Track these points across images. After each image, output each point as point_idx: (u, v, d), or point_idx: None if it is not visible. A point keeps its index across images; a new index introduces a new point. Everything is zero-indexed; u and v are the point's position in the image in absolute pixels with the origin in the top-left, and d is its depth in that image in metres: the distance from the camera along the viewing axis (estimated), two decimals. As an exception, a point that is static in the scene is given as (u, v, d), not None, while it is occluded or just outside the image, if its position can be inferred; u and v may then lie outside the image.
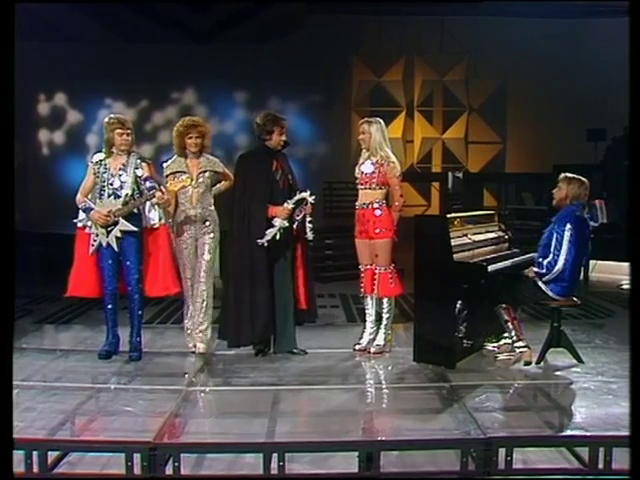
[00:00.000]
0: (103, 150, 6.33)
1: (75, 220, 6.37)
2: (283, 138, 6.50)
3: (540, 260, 6.01)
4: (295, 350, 6.47)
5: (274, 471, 4.08)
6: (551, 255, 5.93)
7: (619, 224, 10.94)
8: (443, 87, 19.19)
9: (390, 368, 6.13)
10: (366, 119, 6.53)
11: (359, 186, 6.49)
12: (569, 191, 6.04)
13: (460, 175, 16.88)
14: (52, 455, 4.21)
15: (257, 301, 6.23)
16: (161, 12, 16.09)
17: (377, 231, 6.36)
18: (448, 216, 6.30)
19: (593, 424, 4.68)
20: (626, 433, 4.37)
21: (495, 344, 6.44)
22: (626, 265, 10.28)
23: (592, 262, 10.80)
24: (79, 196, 6.29)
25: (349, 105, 18.84)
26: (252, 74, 17.05)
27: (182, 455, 4.15)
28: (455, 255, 5.99)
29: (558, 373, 5.93)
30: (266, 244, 6.13)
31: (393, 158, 6.42)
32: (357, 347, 6.60)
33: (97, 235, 6.25)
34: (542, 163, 14.98)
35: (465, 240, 6.29)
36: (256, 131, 6.48)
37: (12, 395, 3.90)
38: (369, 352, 6.48)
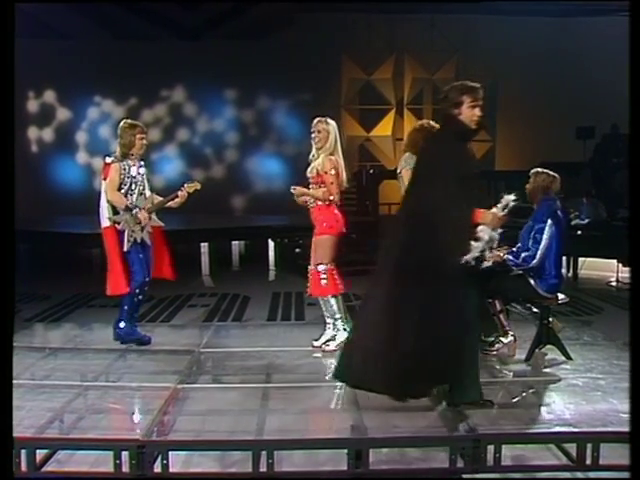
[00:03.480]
0: (118, 152, 6.47)
1: (112, 218, 6.43)
2: (477, 113, 4.78)
3: (517, 250, 6.00)
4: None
5: (263, 469, 4.08)
6: (531, 249, 5.92)
7: (608, 221, 10.99)
8: (433, 85, 19.18)
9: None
10: (321, 119, 6.47)
11: (312, 185, 6.41)
12: (536, 183, 6.10)
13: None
14: (40, 453, 4.20)
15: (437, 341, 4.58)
16: (151, 9, 16.06)
17: (324, 224, 6.34)
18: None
19: (581, 420, 4.69)
20: (614, 429, 4.42)
21: (484, 341, 6.45)
22: (614, 262, 10.36)
23: (581, 259, 10.85)
24: (119, 196, 6.41)
25: (339, 103, 18.80)
26: (241, 72, 17.04)
27: (170, 453, 4.15)
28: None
29: (546, 370, 5.93)
30: (472, 262, 4.60)
31: (333, 156, 6.34)
32: (314, 343, 6.58)
33: (133, 232, 6.43)
34: (531, 161, 14.97)
35: (454, 238, 6.29)
36: (444, 107, 4.88)
37: (12, 394, 3.88)
38: (320, 349, 6.47)
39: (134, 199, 6.47)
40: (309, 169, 6.43)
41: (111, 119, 18.06)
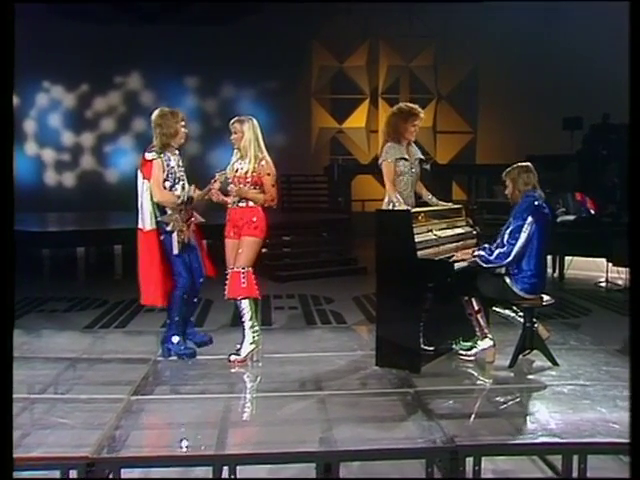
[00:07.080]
0: (157, 144, 6.35)
1: (161, 218, 6.31)
2: None
3: (490, 247, 6.00)
4: None
5: (225, 485, 4.05)
6: (506, 246, 5.93)
7: (597, 218, 11.05)
8: (410, 73, 19.27)
9: (351, 373, 6.11)
10: (237, 118, 6.46)
11: (233, 186, 6.40)
12: (515, 182, 6.12)
13: (428, 167, 16.94)
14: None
15: None
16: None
17: (252, 226, 6.35)
18: (412, 210, 6.29)
19: (567, 430, 4.70)
20: (602, 440, 4.44)
21: (462, 346, 6.45)
22: (604, 261, 10.43)
23: (568, 258, 10.91)
24: (169, 195, 6.33)
25: (309, 92, 18.83)
26: (204, 58, 16.99)
27: (123, 470, 4.10)
28: (419, 252, 5.98)
29: (530, 376, 5.96)
30: None
31: (267, 157, 6.40)
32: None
33: (182, 232, 6.35)
34: (515, 154, 15.08)
35: (430, 236, 6.28)
36: None
37: (12, 403, 3.81)
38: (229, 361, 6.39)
39: (177, 193, 6.38)
40: (241, 169, 6.37)
41: (61, 107, 17.95)
